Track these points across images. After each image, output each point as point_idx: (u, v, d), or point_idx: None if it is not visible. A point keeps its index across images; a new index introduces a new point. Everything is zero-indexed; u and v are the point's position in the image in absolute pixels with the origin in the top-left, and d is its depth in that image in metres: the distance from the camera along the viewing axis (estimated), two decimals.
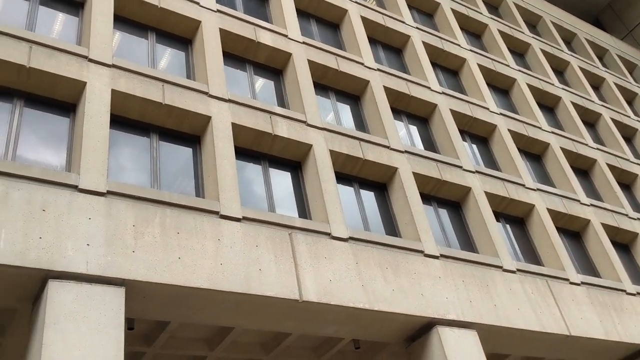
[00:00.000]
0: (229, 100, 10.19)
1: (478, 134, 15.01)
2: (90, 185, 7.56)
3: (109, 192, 7.70)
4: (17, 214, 6.75)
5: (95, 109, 8.42)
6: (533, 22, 22.63)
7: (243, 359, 11.05)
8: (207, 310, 8.03)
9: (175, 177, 9.17)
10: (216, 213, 8.50)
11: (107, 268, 6.94)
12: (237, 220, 8.61)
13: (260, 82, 11.80)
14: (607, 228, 15.07)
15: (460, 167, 12.90)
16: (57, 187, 7.32)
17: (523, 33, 20.20)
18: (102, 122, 8.33)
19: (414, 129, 13.70)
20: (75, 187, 7.47)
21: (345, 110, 12.70)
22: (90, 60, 8.98)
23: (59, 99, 8.76)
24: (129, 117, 9.32)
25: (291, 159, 10.84)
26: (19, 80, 8.41)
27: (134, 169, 8.83)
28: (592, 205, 15.13)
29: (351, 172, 11.45)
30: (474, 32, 18.89)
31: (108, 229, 7.27)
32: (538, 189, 14.16)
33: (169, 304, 7.68)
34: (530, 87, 17.93)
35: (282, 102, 11.68)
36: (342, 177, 11.36)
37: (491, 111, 15.27)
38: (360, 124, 12.66)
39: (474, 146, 14.71)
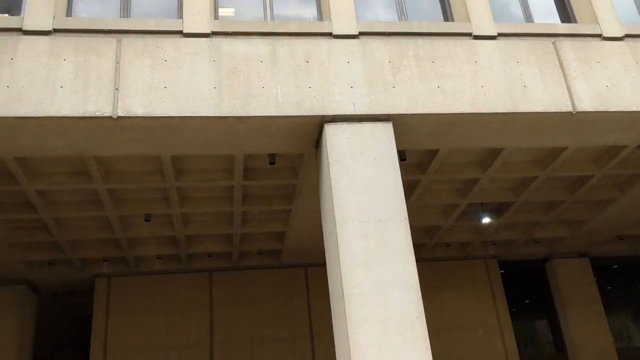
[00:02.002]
0: None
1: None
2: (343, 29, 7.80)
3: (361, 34, 7.88)
4: (287, 69, 7.39)
5: None
6: None
7: (518, 178, 11.02)
8: (474, 134, 8.02)
9: (420, 5, 8.91)
10: (469, 35, 8.14)
11: (372, 106, 7.31)
12: (492, 38, 8.14)
13: None
14: None
15: None
16: (314, 38, 7.73)
17: None
18: None
19: None
20: (330, 35, 7.80)
21: None
22: None
23: None
24: None
25: None
26: None
27: (379, 5, 8.79)
28: None
29: None
30: None
31: (366, 69, 7.55)
32: None
33: (434, 132, 7.86)
34: None
35: None
36: None
37: None
38: None
39: None
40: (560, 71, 7.95)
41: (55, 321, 16.57)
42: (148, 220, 11.06)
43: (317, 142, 7.63)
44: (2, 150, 7.34)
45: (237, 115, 7.02)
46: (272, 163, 8.80)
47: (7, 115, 6.58)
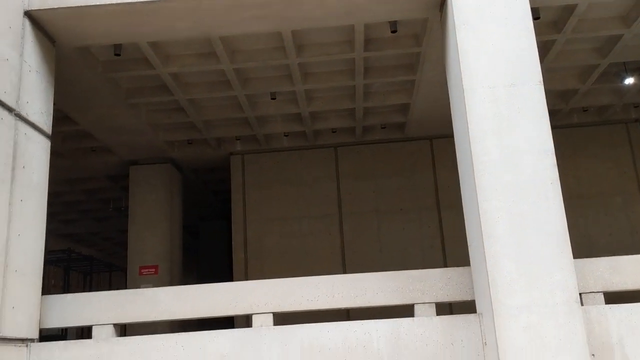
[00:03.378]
0: None
1: None
2: None
3: None
4: None
5: None
6: None
7: None
8: None
9: None
10: None
11: None
12: None
13: None
14: None
15: None
16: None
17: None
18: None
19: None
20: None
21: None
22: None
23: None
24: None
25: None
26: None
27: None
28: None
29: None
30: None
31: None
32: None
33: None
34: None
35: None
36: None
37: None
38: None
39: None
40: None
41: (198, 195, 18.07)
42: (274, 99, 11.36)
43: (441, 4, 7.20)
44: (136, 36, 7.73)
45: None
46: (394, 31, 8.51)
47: (135, 0, 6.83)
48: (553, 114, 12.73)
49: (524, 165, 6.13)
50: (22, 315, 6.39)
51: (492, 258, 5.91)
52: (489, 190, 6.09)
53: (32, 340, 6.58)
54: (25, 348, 6.48)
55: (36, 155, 6.88)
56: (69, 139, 13.06)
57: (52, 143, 7.37)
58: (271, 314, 6.80)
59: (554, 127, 6.54)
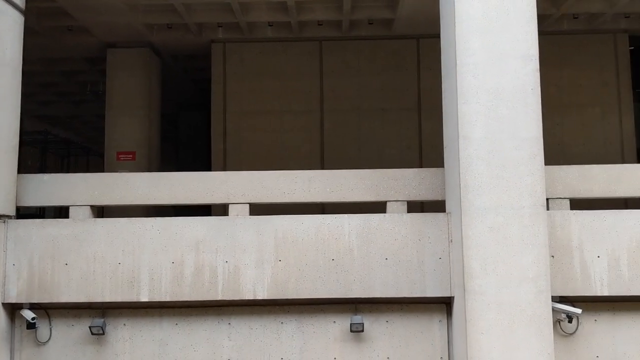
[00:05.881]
0: None
1: None
2: None
3: None
4: None
5: None
6: None
7: None
8: None
9: None
10: None
11: None
12: None
13: None
14: None
15: None
16: None
17: None
18: None
19: None
20: None
21: None
22: None
23: None
24: None
25: None
26: None
27: None
28: None
29: None
30: None
31: None
32: None
33: None
34: None
35: None
36: None
37: None
38: None
39: None
40: None
41: (178, 84, 17.74)
42: None
43: None
44: None
45: None
46: None
47: None
48: (543, 19, 12.47)
49: (507, 69, 6.09)
50: None
51: (466, 160, 6.02)
52: (469, 92, 6.09)
53: (9, 216, 6.66)
54: (3, 224, 6.58)
55: (9, 29, 6.62)
56: (45, 16, 12.51)
57: (26, 19, 7.07)
58: (247, 205, 6.94)
59: (542, 33, 6.45)
